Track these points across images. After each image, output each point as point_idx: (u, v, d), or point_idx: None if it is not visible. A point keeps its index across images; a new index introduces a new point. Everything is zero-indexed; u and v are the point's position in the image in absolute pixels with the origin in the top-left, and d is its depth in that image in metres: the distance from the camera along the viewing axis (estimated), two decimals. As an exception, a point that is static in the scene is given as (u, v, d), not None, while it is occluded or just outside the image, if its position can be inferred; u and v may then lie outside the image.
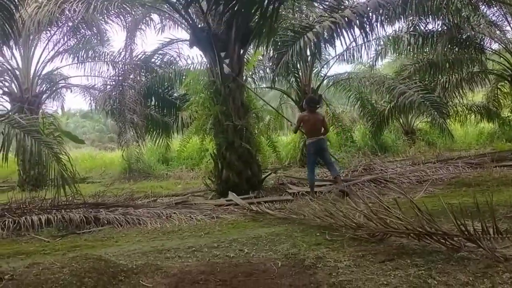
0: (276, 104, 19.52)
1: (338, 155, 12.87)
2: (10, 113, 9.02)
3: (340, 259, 3.44)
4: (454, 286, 2.75)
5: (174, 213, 6.41)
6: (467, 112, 17.37)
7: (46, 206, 7.02)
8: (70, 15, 11.76)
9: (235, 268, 3.47)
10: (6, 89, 13.92)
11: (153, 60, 13.78)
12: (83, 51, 15.00)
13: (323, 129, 7.97)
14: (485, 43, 13.83)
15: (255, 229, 5.18)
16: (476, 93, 17.85)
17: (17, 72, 13.65)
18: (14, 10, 7.78)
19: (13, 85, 13.80)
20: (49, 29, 13.07)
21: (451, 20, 12.11)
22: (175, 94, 14.84)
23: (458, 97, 15.39)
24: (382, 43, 14.83)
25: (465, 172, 9.04)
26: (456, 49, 13.38)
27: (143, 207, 7.01)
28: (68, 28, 13.80)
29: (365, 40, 12.58)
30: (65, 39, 14.30)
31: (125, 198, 8.66)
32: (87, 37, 14.69)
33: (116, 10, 11.15)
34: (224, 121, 8.14)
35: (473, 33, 12.92)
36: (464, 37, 13.03)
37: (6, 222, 5.88)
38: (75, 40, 14.64)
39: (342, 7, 8.53)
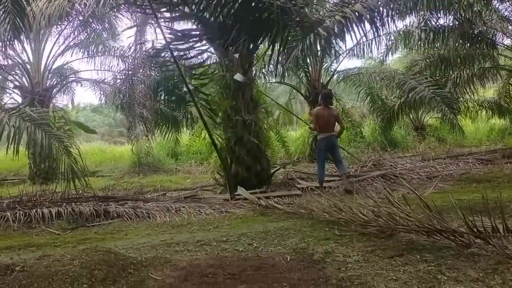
0: (285, 99, 19.52)
1: (348, 150, 12.81)
2: (21, 106, 9.07)
3: (349, 254, 3.44)
4: (464, 282, 2.74)
5: (183, 207, 6.44)
6: (478, 108, 17.18)
7: (56, 199, 7.09)
8: (80, 9, 11.83)
9: (244, 262, 3.47)
10: (17, 83, 14.04)
11: (162, 54, 13.77)
12: (93, 45, 15.06)
13: (338, 126, 7.91)
14: (497, 39, 13.64)
15: (263, 224, 5.18)
16: (488, 88, 17.64)
17: (28, 66, 13.75)
18: (25, 4, 7.82)
19: (24, 79, 13.91)
20: (60, 23, 13.12)
21: (463, 15, 11.96)
22: (185, 89, 14.83)
23: (469, 93, 15.20)
24: (392, 38, 14.71)
25: (475, 168, 8.97)
26: (468, 44, 13.21)
27: (152, 201, 7.06)
28: (78, 22, 13.85)
29: (376, 35, 12.50)
30: (76, 33, 14.36)
31: (135, 192, 8.71)
32: (98, 31, 14.74)
33: (126, 5, 11.17)
34: (233, 115, 8.13)
35: (485, 28, 12.75)
36: (475, 32, 12.86)
37: (17, 215, 5.95)
38: (86, 34, 14.70)
39: (353, 1, 8.46)
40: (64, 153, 7.19)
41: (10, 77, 14.27)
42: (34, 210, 6.12)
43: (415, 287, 2.72)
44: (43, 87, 13.81)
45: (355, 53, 15.07)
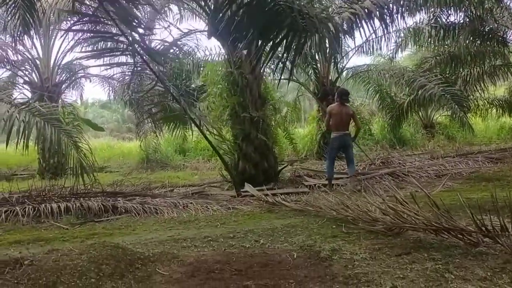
0: (293, 96, 19.48)
1: (355, 149, 12.72)
2: (30, 101, 9.14)
3: (356, 252, 3.43)
4: (471, 280, 2.72)
5: (191, 203, 6.45)
6: (488, 106, 17.04)
7: (65, 194, 7.13)
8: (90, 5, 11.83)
9: (251, 259, 3.48)
10: (26, 78, 14.14)
11: (171, 50, 13.79)
12: (102, 41, 15.07)
13: (354, 124, 7.85)
14: (508, 36, 13.52)
15: (270, 221, 5.18)
16: (498, 86, 17.50)
17: (38, 62, 13.83)
18: (35, 0, 7.86)
19: (33, 74, 14.00)
20: (69, 18, 13.17)
21: (474, 12, 11.87)
22: (193, 85, 14.86)
23: (480, 91, 15.10)
24: (402, 35, 14.62)
25: (485, 167, 8.90)
26: (478, 41, 13.09)
27: (160, 197, 7.08)
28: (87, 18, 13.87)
29: (385, 31, 12.44)
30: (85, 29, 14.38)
31: (143, 188, 8.74)
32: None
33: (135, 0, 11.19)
34: (241, 112, 8.14)
35: (496, 25, 12.64)
36: (486, 29, 12.76)
37: (27, 209, 5.99)
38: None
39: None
40: (73, 148, 7.24)
41: (20, 73, 14.38)
42: (43, 205, 6.17)
43: (422, 286, 2.71)
44: (53, 82, 13.90)
45: (364, 50, 15.00)
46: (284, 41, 6.42)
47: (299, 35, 6.21)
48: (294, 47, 6.37)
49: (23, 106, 7.39)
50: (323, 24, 6.29)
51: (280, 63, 8.59)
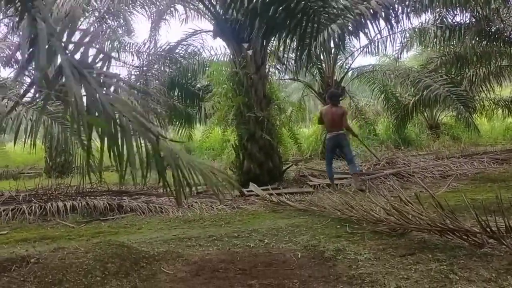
0: (298, 96, 19.48)
1: (361, 149, 12.70)
2: (37, 100, 9.15)
3: (360, 252, 3.44)
4: (476, 282, 2.72)
5: (196, 202, 6.48)
6: (494, 106, 16.92)
7: (71, 192, 7.19)
8: (96, 5, 11.93)
9: (255, 258, 3.49)
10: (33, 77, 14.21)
11: (177, 50, 13.83)
12: (109, 41, 15.15)
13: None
14: (515, 36, 13.45)
15: (275, 220, 5.20)
16: (504, 87, 17.39)
17: (45, 61, 13.89)
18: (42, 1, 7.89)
19: (40, 73, 14.06)
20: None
21: (480, 12, 11.81)
22: (198, 85, 14.88)
23: (485, 91, 15.01)
24: (407, 35, 14.56)
25: (490, 168, 8.87)
26: (484, 42, 13.00)
27: (165, 196, 7.10)
28: (94, 18, 13.95)
29: (391, 32, 12.41)
30: (91, 29, 14.44)
31: (148, 187, 8.76)
32: (113, 27, 14.80)
33: (141, 1, 11.26)
34: (246, 112, 8.16)
35: (502, 25, 12.56)
36: (493, 29, 12.68)
37: (33, 208, 6.04)
38: (101, 30, 14.77)
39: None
40: (79, 146, 7.25)
41: (26, 72, 14.43)
42: (49, 203, 6.22)
43: (426, 286, 2.72)
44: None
45: (370, 50, 14.95)
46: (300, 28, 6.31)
47: (313, 20, 6.11)
48: (308, 33, 6.28)
49: (30, 105, 7.41)
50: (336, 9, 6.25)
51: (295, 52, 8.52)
